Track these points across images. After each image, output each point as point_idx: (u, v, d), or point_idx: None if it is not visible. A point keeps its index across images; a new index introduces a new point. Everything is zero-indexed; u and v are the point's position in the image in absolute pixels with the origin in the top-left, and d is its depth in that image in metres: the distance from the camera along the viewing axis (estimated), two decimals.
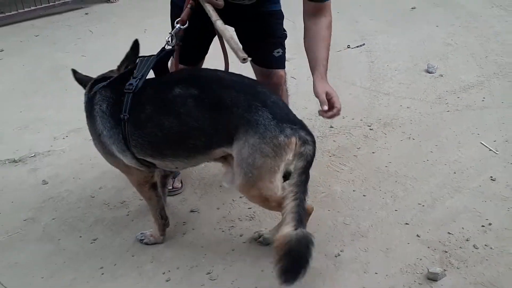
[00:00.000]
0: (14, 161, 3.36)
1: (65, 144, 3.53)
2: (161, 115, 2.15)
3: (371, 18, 5.43)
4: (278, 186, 2.09)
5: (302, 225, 2.00)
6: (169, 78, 2.35)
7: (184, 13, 2.30)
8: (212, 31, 2.38)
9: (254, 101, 2.06)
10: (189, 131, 2.12)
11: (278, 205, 2.09)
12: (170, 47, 2.32)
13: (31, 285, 2.36)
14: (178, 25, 2.30)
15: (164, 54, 2.32)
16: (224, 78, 2.20)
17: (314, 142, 2.11)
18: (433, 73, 4.06)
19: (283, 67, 2.75)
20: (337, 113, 2.30)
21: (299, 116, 3.42)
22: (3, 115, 4.05)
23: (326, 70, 2.43)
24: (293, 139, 2.03)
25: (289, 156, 2.03)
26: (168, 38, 2.32)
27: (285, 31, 2.69)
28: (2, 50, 5.50)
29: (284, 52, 2.69)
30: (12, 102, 4.27)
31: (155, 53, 2.33)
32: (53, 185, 3.08)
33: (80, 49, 5.38)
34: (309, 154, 2.06)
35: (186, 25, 2.30)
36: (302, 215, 2.02)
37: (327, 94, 2.28)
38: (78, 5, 6.83)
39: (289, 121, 2.07)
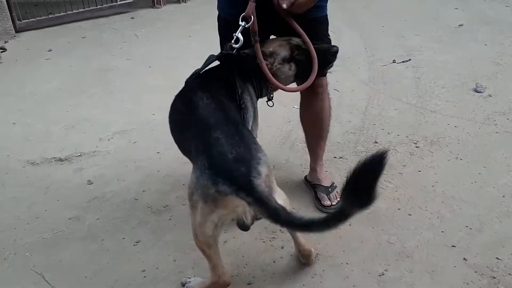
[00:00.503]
0: (60, 160, 3.43)
1: (110, 145, 3.59)
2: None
3: (417, 34, 5.36)
4: (204, 230, 1.97)
5: None
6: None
7: (248, 8, 2.20)
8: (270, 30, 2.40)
9: (201, 143, 1.97)
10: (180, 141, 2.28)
11: (200, 248, 2.07)
12: (235, 48, 2.25)
13: (75, 284, 2.40)
14: (244, 23, 2.21)
15: (223, 56, 2.29)
16: (207, 106, 2.11)
17: (258, 201, 1.77)
18: (482, 92, 3.97)
19: (325, 75, 2.71)
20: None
21: (342, 130, 3.44)
22: (51, 114, 4.15)
23: None
24: (227, 198, 1.83)
25: (221, 211, 1.89)
26: (232, 42, 2.25)
27: (329, 36, 2.64)
28: (50, 50, 5.65)
29: None
30: (59, 102, 4.36)
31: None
32: (97, 186, 3.13)
33: (126, 52, 5.48)
34: (247, 217, 1.95)
35: (252, 21, 2.20)
36: None
37: None
38: (125, 9, 6.98)
39: (230, 178, 1.82)
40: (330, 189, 2.87)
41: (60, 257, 2.57)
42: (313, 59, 2.32)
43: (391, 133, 3.49)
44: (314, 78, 2.34)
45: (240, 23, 2.21)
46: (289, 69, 2.39)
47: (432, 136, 3.42)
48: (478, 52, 4.76)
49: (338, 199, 2.86)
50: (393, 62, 4.68)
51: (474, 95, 3.96)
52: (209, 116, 2.06)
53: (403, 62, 4.66)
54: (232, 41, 2.24)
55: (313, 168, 2.97)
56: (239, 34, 2.22)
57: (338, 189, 2.91)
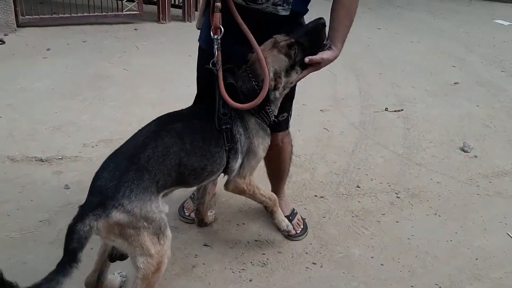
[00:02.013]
0: (41, 160, 3.40)
1: (93, 152, 3.55)
2: None
3: (412, 85, 5.44)
4: None
5: None
6: None
7: (215, 19, 2.18)
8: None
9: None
10: None
11: None
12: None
13: None
14: (216, 36, 2.19)
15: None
16: (148, 127, 2.17)
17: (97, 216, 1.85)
18: (468, 152, 4.01)
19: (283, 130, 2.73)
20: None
21: (326, 170, 3.44)
22: (39, 112, 4.12)
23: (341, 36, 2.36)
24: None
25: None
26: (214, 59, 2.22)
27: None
28: (49, 49, 5.64)
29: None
30: (49, 102, 4.34)
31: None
32: (74, 191, 3.08)
33: (124, 62, 5.49)
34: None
35: (222, 33, 2.20)
36: None
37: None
38: (130, 20, 7.04)
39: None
40: (290, 217, 2.89)
41: (24, 259, 2.52)
42: (265, 77, 2.21)
43: (374, 179, 3.50)
44: (263, 97, 2.22)
45: (212, 37, 2.20)
46: (296, 73, 2.34)
47: (414, 188, 3.43)
48: (469, 111, 4.83)
49: (302, 226, 2.90)
50: (386, 110, 4.72)
51: (461, 154, 3.99)
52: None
53: (395, 111, 4.71)
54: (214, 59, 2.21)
55: None
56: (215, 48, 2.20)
57: (300, 216, 2.97)
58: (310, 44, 2.29)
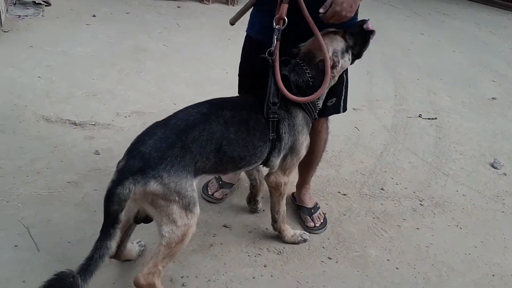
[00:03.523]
0: (75, 123, 3.47)
1: (125, 122, 3.61)
2: None
3: (449, 95, 5.35)
4: None
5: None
6: None
7: (281, 10, 2.22)
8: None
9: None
10: None
11: None
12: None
13: (57, 246, 2.42)
14: (278, 26, 2.24)
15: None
16: (199, 108, 2.20)
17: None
18: (498, 169, 3.94)
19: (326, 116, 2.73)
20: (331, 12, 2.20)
21: (352, 168, 3.44)
22: (77, 77, 4.20)
23: None
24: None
25: None
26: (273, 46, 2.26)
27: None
28: (94, 16, 5.73)
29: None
30: (88, 68, 4.42)
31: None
32: (103, 158, 3.15)
33: (164, 38, 5.54)
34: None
35: (285, 24, 2.24)
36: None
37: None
38: None
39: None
40: (312, 211, 2.94)
41: (49, 216, 2.59)
42: (326, 74, 2.26)
43: (399, 184, 3.47)
44: (327, 84, 2.29)
45: (274, 26, 2.24)
46: (348, 59, 2.42)
47: (439, 198, 3.40)
48: (504, 128, 4.74)
49: (322, 221, 2.92)
50: (419, 116, 4.67)
51: (490, 169, 3.93)
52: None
53: (428, 119, 4.65)
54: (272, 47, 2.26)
55: (299, 188, 3.02)
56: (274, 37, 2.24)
57: (322, 210, 2.99)
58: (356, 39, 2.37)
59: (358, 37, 2.40)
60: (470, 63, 6.69)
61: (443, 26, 8.45)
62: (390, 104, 4.88)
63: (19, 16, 5.30)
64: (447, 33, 7.91)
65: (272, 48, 2.24)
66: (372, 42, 2.43)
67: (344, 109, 2.69)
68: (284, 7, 2.21)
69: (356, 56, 2.45)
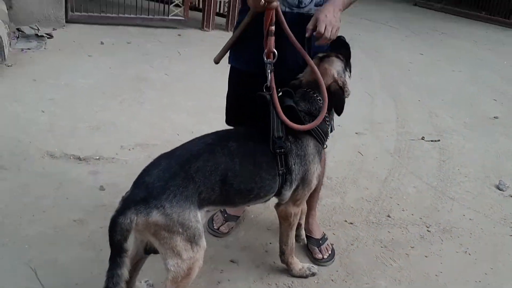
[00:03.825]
0: (79, 158, 3.48)
1: (129, 155, 3.62)
2: None
3: (451, 116, 5.35)
4: None
5: None
6: None
7: (269, 44, 2.24)
8: None
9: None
10: None
11: None
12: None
13: (63, 287, 2.39)
14: (269, 60, 2.25)
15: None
16: (205, 139, 2.22)
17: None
18: (503, 191, 3.93)
19: None
20: (322, 38, 2.23)
21: (357, 195, 3.42)
22: (80, 110, 4.22)
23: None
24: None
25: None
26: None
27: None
28: (102, 43, 5.80)
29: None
30: (90, 100, 4.44)
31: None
32: (109, 193, 3.15)
33: (165, 67, 5.58)
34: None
35: (276, 57, 2.26)
36: None
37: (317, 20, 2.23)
38: (174, 25, 7.16)
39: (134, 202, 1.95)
40: (321, 242, 2.90)
41: (56, 257, 2.58)
42: (324, 99, 2.30)
43: (405, 210, 3.46)
44: (325, 112, 2.30)
45: (265, 61, 2.26)
46: (348, 76, 2.46)
47: (446, 223, 3.38)
48: (507, 148, 4.73)
49: (330, 252, 2.88)
50: (422, 138, 4.67)
51: (495, 191, 3.92)
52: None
53: (432, 141, 4.65)
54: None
55: (306, 217, 2.97)
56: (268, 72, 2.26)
57: (329, 241, 2.95)
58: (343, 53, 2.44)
59: (343, 51, 2.46)
60: (470, 81, 6.71)
61: (441, 45, 8.50)
62: (392, 127, 4.88)
63: (22, 49, 5.36)
64: (446, 52, 7.96)
65: (268, 83, 2.26)
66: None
67: (332, 129, 2.65)
68: (272, 40, 2.24)
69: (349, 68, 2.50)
